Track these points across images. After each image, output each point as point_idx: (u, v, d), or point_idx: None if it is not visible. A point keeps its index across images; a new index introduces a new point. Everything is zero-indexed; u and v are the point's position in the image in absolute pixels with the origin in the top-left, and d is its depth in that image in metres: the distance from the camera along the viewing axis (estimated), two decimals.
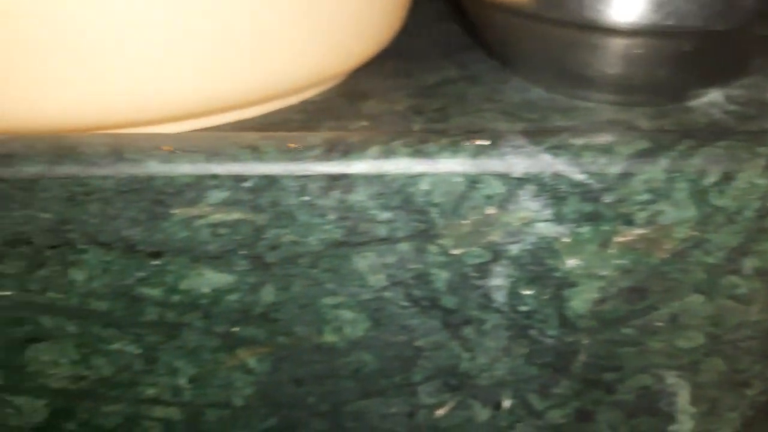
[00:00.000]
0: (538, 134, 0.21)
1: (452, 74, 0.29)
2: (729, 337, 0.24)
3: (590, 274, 0.23)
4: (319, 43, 0.24)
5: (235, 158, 0.20)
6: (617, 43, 0.24)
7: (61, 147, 0.20)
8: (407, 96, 0.27)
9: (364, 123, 0.24)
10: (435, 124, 0.24)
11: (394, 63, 0.29)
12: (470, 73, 0.29)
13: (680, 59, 0.24)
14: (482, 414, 0.25)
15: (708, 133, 0.22)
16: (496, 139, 0.21)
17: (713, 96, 0.27)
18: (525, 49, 0.27)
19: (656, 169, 0.21)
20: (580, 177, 0.21)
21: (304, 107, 0.26)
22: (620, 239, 0.22)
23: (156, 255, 0.21)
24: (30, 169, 0.19)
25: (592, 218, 0.21)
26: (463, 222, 0.21)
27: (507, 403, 0.25)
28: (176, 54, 0.21)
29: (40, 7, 0.19)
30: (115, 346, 0.22)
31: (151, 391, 0.23)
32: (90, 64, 0.20)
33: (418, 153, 0.20)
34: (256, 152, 0.20)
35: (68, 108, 0.21)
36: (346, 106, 0.26)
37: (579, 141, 0.21)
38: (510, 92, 0.27)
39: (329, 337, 0.23)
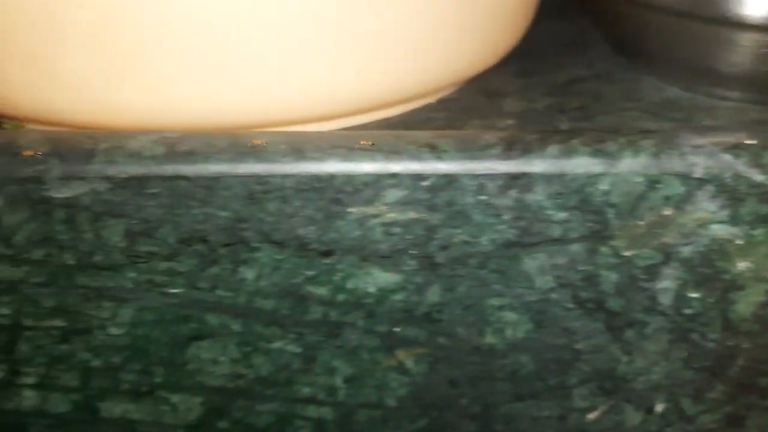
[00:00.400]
0: (713, 133, 0.21)
1: (581, 72, 0.28)
2: None
3: (759, 276, 0.22)
4: (463, 41, 0.24)
5: (415, 157, 0.20)
6: (761, 40, 0.24)
7: (241, 145, 0.20)
8: (543, 95, 0.26)
9: (510, 121, 0.24)
10: (580, 123, 0.24)
11: (518, 61, 0.29)
12: (599, 71, 0.28)
13: None
14: (633, 418, 0.25)
15: None
16: (674, 138, 0.20)
17: None
18: (661, 45, 0.27)
19: None
20: (759, 178, 0.20)
21: (444, 106, 0.25)
22: None
23: (327, 254, 0.21)
24: (212, 167, 0.19)
25: None
26: (639, 223, 0.21)
27: (659, 408, 0.24)
28: (344, 56, 0.21)
29: (216, 6, 0.19)
30: (276, 345, 0.22)
31: (306, 391, 0.23)
32: (251, 65, 0.20)
33: (598, 152, 0.20)
34: (435, 151, 0.20)
35: (230, 106, 0.21)
36: (486, 105, 0.26)
37: (758, 141, 0.21)
38: (647, 91, 0.27)
39: (489, 339, 0.23)
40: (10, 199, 0.20)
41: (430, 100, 0.26)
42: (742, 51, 0.24)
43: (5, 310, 0.21)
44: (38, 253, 0.20)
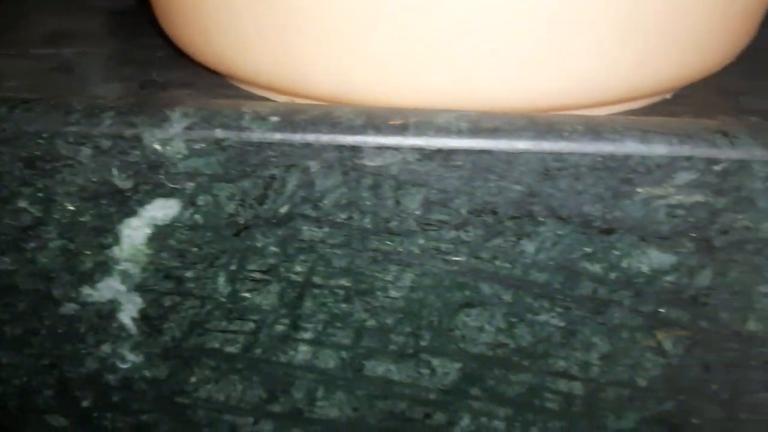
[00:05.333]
0: None
1: None
2: None
3: None
4: (709, 36, 0.24)
5: (709, 142, 0.21)
6: None
7: (539, 124, 0.21)
8: None
9: (755, 118, 0.24)
10: None
11: (746, 63, 0.29)
12: None
13: None
14: None
15: None
16: None
17: None
18: None
19: None
20: None
21: (681, 101, 0.26)
22: None
23: (608, 231, 0.22)
24: (516, 144, 0.21)
25: None
26: None
27: None
28: (614, 45, 0.22)
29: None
30: (542, 317, 0.23)
31: (560, 364, 0.24)
32: (544, 57, 0.21)
33: None
34: (728, 136, 0.21)
35: (515, 93, 0.22)
36: (723, 101, 0.26)
37: None
38: None
39: (752, 326, 0.23)
40: (326, 165, 0.21)
41: (666, 95, 0.27)
42: None
43: (300, 268, 0.23)
44: (341, 216, 0.22)
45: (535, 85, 0.23)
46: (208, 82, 0.28)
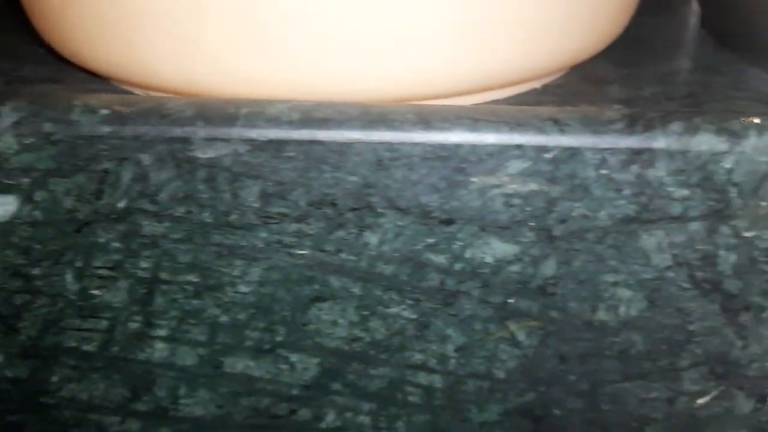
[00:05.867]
0: None
1: (685, 63, 0.28)
2: None
3: None
4: (574, 25, 0.24)
5: (539, 130, 0.20)
6: None
7: (371, 114, 0.21)
8: (648, 83, 0.26)
9: (617, 106, 0.24)
10: (691, 110, 0.24)
11: (619, 52, 0.29)
12: (703, 62, 0.28)
13: None
14: (744, 406, 0.24)
15: None
16: None
17: None
18: None
19: None
20: None
21: (550, 90, 0.26)
22: None
23: (448, 222, 0.22)
24: (347, 134, 0.20)
25: None
26: (762, 204, 0.21)
27: None
28: (459, 34, 0.21)
29: None
30: (393, 310, 0.23)
31: (418, 357, 0.24)
32: (390, 46, 0.21)
33: (722, 130, 0.20)
34: (558, 124, 0.20)
35: (365, 82, 0.22)
36: (591, 91, 0.26)
37: None
38: (755, 82, 0.27)
39: (602, 315, 0.23)
40: (158, 158, 0.21)
41: (536, 85, 0.27)
42: None
43: (145, 264, 0.23)
44: (179, 210, 0.22)
45: (388, 76, 0.23)
46: (77, 77, 0.28)
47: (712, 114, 0.21)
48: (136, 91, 0.26)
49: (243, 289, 0.23)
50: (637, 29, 0.32)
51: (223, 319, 0.24)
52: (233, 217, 0.22)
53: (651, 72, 0.28)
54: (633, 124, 0.20)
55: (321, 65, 0.22)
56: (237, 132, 0.21)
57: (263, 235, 0.22)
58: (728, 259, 0.22)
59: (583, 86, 0.27)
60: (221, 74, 0.22)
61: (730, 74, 0.28)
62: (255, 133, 0.21)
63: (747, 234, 0.21)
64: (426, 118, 0.21)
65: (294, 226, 0.22)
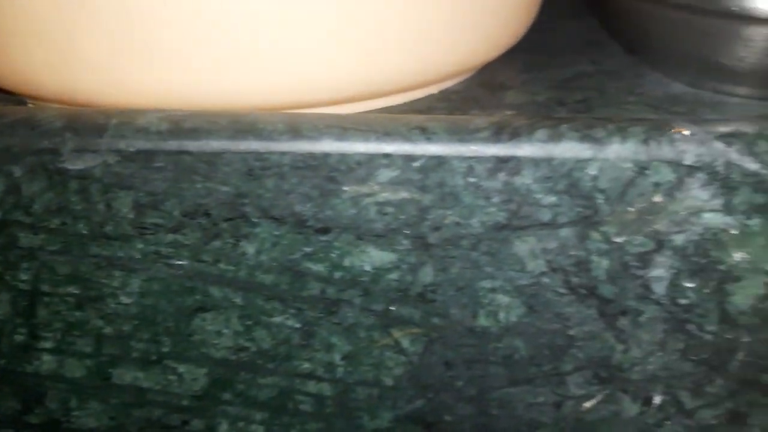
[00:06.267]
0: (709, 122, 0.21)
1: (587, 69, 0.29)
2: None
3: (756, 268, 0.22)
4: (468, 32, 0.24)
5: (406, 138, 0.20)
6: (765, 33, 0.24)
7: (241, 123, 0.21)
8: (546, 88, 0.27)
9: (508, 112, 0.24)
10: (579, 115, 0.24)
11: (526, 57, 0.30)
12: (605, 68, 0.29)
13: None
14: (631, 409, 0.25)
15: None
16: (665, 125, 0.21)
17: None
18: (668, 41, 0.27)
19: None
20: (753, 166, 0.21)
21: (445, 96, 0.26)
22: None
23: (324, 231, 0.22)
24: (214, 143, 0.20)
25: (764, 210, 0.21)
26: (629, 209, 0.21)
27: (657, 400, 0.24)
28: (336, 41, 0.22)
29: None
30: (277, 319, 0.23)
31: (305, 366, 0.24)
32: (265, 52, 0.21)
33: (586, 137, 0.20)
34: (426, 132, 0.21)
35: (242, 90, 0.22)
36: (487, 96, 0.26)
37: (752, 129, 0.21)
38: (651, 86, 0.27)
39: (483, 321, 0.23)
40: (28, 170, 0.21)
41: (433, 90, 0.27)
42: (749, 46, 0.24)
43: (25, 276, 0.23)
44: (54, 222, 0.22)
45: (272, 85, 0.23)
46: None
47: (578, 121, 0.21)
48: (30, 102, 0.25)
49: (125, 300, 0.23)
50: (543, 34, 0.33)
51: (108, 330, 0.24)
52: (108, 228, 0.22)
53: (551, 77, 0.28)
54: (499, 132, 0.21)
55: (207, 75, 0.22)
56: (106, 143, 0.21)
57: (140, 246, 0.22)
58: (601, 265, 0.22)
59: (479, 92, 0.27)
60: (98, 84, 0.22)
61: (628, 79, 0.28)
62: (124, 144, 0.21)
63: (617, 239, 0.22)
64: (295, 127, 0.21)
65: (170, 237, 0.22)
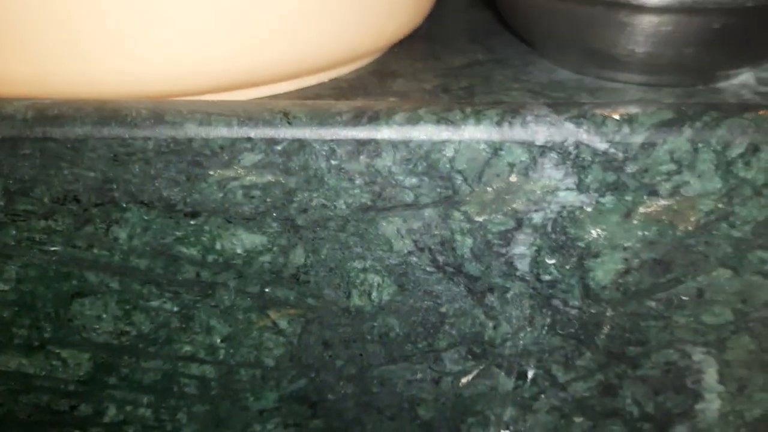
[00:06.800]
0: (561, 105, 0.22)
1: (480, 57, 0.29)
2: (758, 314, 0.24)
3: (614, 244, 0.23)
4: (353, 21, 0.25)
5: (268, 123, 0.21)
6: (645, 21, 0.24)
7: (105, 110, 0.21)
8: (435, 76, 0.27)
9: (392, 99, 0.25)
10: (461, 101, 0.25)
11: (423, 46, 0.30)
12: (498, 56, 0.30)
13: (709, 38, 0.24)
14: (506, 384, 0.25)
15: (734, 106, 0.22)
16: (519, 107, 0.22)
17: (744, 77, 0.27)
18: (552, 29, 0.28)
19: (680, 140, 0.21)
20: (602, 146, 0.21)
21: (336, 84, 0.27)
22: (644, 210, 0.22)
23: (193, 215, 0.22)
24: (78, 130, 0.21)
25: (616, 188, 0.22)
26: (487, 189, 0.22)
27: (530, 374, 0.25)
28: (216, 27, 0.22)
29: None
30: (154, 303, 0.24)
31: (187, 349, 0.24)
32: (137, 38, 0.21)
33: (442, 120, 0.21)
34: (287, 117, 0.21)
35: (116, 78, 0.22)
36: (376, 84, 0.27)
37: (602, 111, 0.22)
38: (537, 73, 0.28)
39: (357, 301, 0.24)
40: None
41: (323, 78, 0.27)
42: (627, 33, 0.25)
43: None
44: None
45: (150, 72, 0.23)
46: None
47: (435, 105, 0.22)
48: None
49: (2, 287, 0.23)
50: (443, 23, 0.33)
51: None
52: None
53: (443, 66, 0.29)
54: (359, 116, 0.21)
55: (80, 64, 0.22)
56: None
57: (13, 232, 0.22)
58: (465, 243, 0.23)
59: (370, 80, 0.28)
60: None
61: (517, 67, 0.29)
62: None
63: (478, 219, 0.22)
64: (158, 112, 0.21)
65: (42, 223, 0.22)
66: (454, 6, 0.36)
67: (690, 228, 0.23)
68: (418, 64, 0.29)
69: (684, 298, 0.24)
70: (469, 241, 0.23)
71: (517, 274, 0.23)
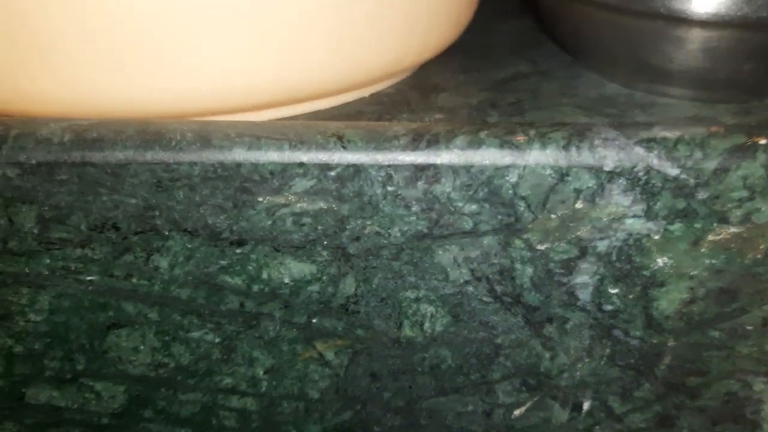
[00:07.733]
0: (630, 127, 0.21)
1: (523, 69, 0.28)
2: None
3: (680, 273, 0.22)
4: (397, 35, 0.24)
5: (321, 147, 0.20)
6: (701, 36, 0.23)
7: (148, 132, 0.20)
8: (480, 90, 0.26)
9: (439, 115, 0.24)
10: (511, 118, 0.24)
11: (463, 58, 0.29)
12: (542, 68, 0.28)
13: (767, 53, 0.23)
14: (560, 415, 0.24)
15: None
16: (586, 130, 0.20)
17: None
18: (602, 42, 0.26)
19: (754, 165, 0.20)
20: (673, 171, 0.20)
21: (377, 99, 0.26)
22: (713, 238, 0.21)
23: (239, 243, 0.21)
24: (119, 154, 0.20)
25: (685, 215, 0.21)
26: (551, 216, 0.21)
27: (586, 405, 0.24)
28: (260, 44, 0.21)
29: None
30: (195, 334, 0.22)
31: (228, 381, 0.23)
32: (177, 54, 0.20)
33: (506, 144, 0.20)
34: (342, 141, 0.20)
35: (154, 95, 0.21)
36: (419, 99, 0.26)
37: (673, 134, 0.20)
38: (585, 87, 0.27)
39: (408, 332, 0.23)
40: None
41: (364, 93, 0.26)
42: (682, 47, 0.24)
43: None
44: None
45: (189, 89, 0.22)
46: None
47: (498, 127, 0.20)
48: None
49: (34, 317, 0.22)
50: (482, 35, 0.32)
51: (18, 349, 0.23)
52: (13, 244, 0.21)
53: (486, 79, 0.28)
54: (417, 139, 0.20)
55: (116, 81, 0.21)
56: (5, 155, 0.20)
57: (47, 261, 0.21)
58: (525, 272, 0.22)
59: (412, 95, 0.27)
60: (4, 92, 0.21)
61: (564, 79, 0.28)
62: (24, 156, 0.20)
63: (540, 247, 0.21)
64: (205, 136, 0.20)
65: (78, 251, 0.21)
66: (489, 14, 0.35)
67: (759, 256, 0.22)
68: (460, 77, 0.28)
69: (748, 327, 0.23)
70: (529, 270, 0.22)
71: (578, 304, 0.22)
